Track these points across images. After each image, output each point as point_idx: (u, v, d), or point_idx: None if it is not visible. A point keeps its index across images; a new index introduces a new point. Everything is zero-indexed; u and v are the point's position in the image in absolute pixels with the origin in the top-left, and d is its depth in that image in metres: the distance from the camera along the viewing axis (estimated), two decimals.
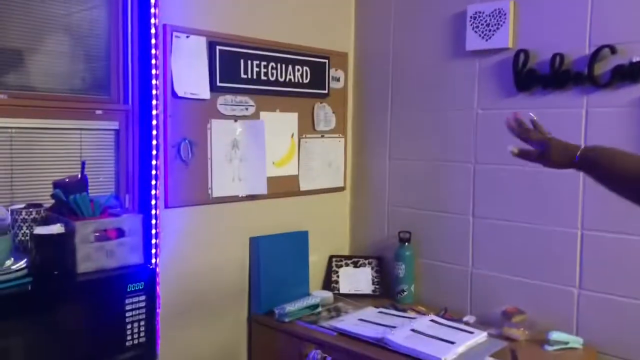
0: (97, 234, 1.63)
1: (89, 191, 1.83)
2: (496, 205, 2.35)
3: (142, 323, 1.65)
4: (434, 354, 1.90)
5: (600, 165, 1.28)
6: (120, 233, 1.68)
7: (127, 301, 1.63)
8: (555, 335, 2.06)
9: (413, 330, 2.11)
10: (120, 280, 1.62)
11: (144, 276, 1.67)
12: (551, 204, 2.19)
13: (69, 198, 1.62)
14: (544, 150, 1.38)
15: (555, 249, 2.19)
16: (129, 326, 1.63)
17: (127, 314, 1.63)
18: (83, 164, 1.80)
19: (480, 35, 2.34)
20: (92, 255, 1.61)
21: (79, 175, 1.77)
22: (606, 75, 2.04)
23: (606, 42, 2.03)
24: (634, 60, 1.96)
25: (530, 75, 2.21)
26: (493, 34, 2.30)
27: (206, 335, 2.29)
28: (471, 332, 2.10)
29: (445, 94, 2.50)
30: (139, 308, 1.65)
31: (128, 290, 1.63)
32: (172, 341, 2.17)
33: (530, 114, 1.49)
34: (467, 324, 2.26)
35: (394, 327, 2.14)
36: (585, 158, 1.31)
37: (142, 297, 1.66)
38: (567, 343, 2.06)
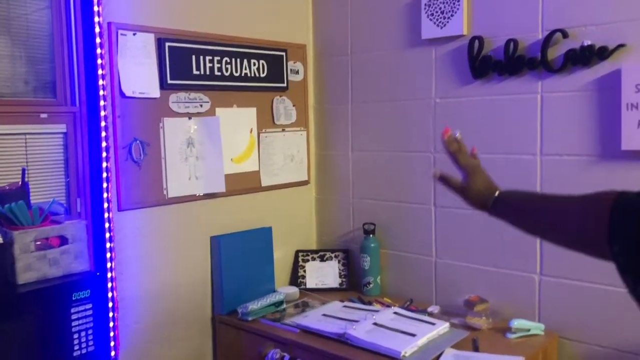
0: (38, 242, 1.59)
1: (35, 197, 1.78)
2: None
3: (90, 332, 1.62)
4: (394, 348, 1.89)
5: (515, 214, 1.20)
6: (63, 240, 1.64)
7: (72, 310, 1.58)
8: (516, 323, 2.05)
9: (375, 324, 2.10)
10: (64, 289, 1.58)
11: (90, 283, 1.63)
12: None
13: (4, 207, 1.57)
14: (464, 185, 1.33)
15: (517, 236, 2.16)
16: (75, 335, 1.59)
17: (74, 323, 1.59)
18: (23, 170, 1.74)
19: (435, 23, 2.31)
20: (33, 265, 1.57)
21: (20, 183, 1.71)
22: (559, 60, 2.02)
23: (558, 26, 2.01)
24: (585, 44, 1.94)
25: (485, 62, 2.19)
26: (448, 21, 2.27)
27: (170, 338, 2.26)
28: (433, 324, 2.09)
29: (403, 84, 2.48)
30: (85, 317, 1.61)
31: (73, 298, 1.59)
32: (134, 347, 2.13)
33: (457, 132, 1.40)
34: (431, 314, 2.25)
35: (357, 321, 2.13)
36: (498, 206, 1.24)
37: (89, 305, 1.62)
38: (528, 330, 2.05)
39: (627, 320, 1.92)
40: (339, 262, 2.72)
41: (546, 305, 2.11)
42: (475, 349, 1.94)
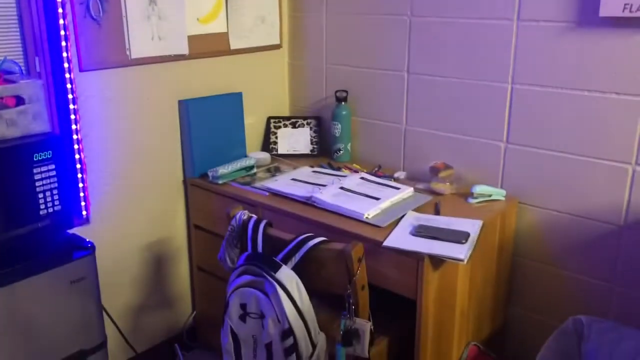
0: None
1: None
2: (430, 60, 2.28)
3: (55, 192, 1.62)
4: (358, 210, 1.94)
5: None
6: (19, 100, 1.59)
7: (35, 170, 1.58)
8: (478, 189, 2.11)
9: (342, 188, 2.15)
10: (25, 150, 1.56)
11: (51, 144, 1.61)
12: (483, 59, 2.14)
13: None
14: None
15: (486, 104, 2.17)
16: (40, 195, 1.60)
17: (37, 184, 1.59)
18: None
19: None
20: None
21: None
22: None
23: None
24: None
25: None
26: None
27: (142, 199, 2.30)
28: (397, 188, 2.15)
29: None
30: (49, 177, 1.61)
31: (35, 159, 1.57)
32: (105, 207, 2.17)
33: None
34: (397, 180, 2.30)
35: (325, 185, 2.17)
36: None
37: (52, 166, 1.61)
38: (490, 195, 2.12)
39: (583, 187, 1.99)
40: (310, 128, 2.72)
41: (509, 172, 2.16)
42: (437, 212, 2.01)
